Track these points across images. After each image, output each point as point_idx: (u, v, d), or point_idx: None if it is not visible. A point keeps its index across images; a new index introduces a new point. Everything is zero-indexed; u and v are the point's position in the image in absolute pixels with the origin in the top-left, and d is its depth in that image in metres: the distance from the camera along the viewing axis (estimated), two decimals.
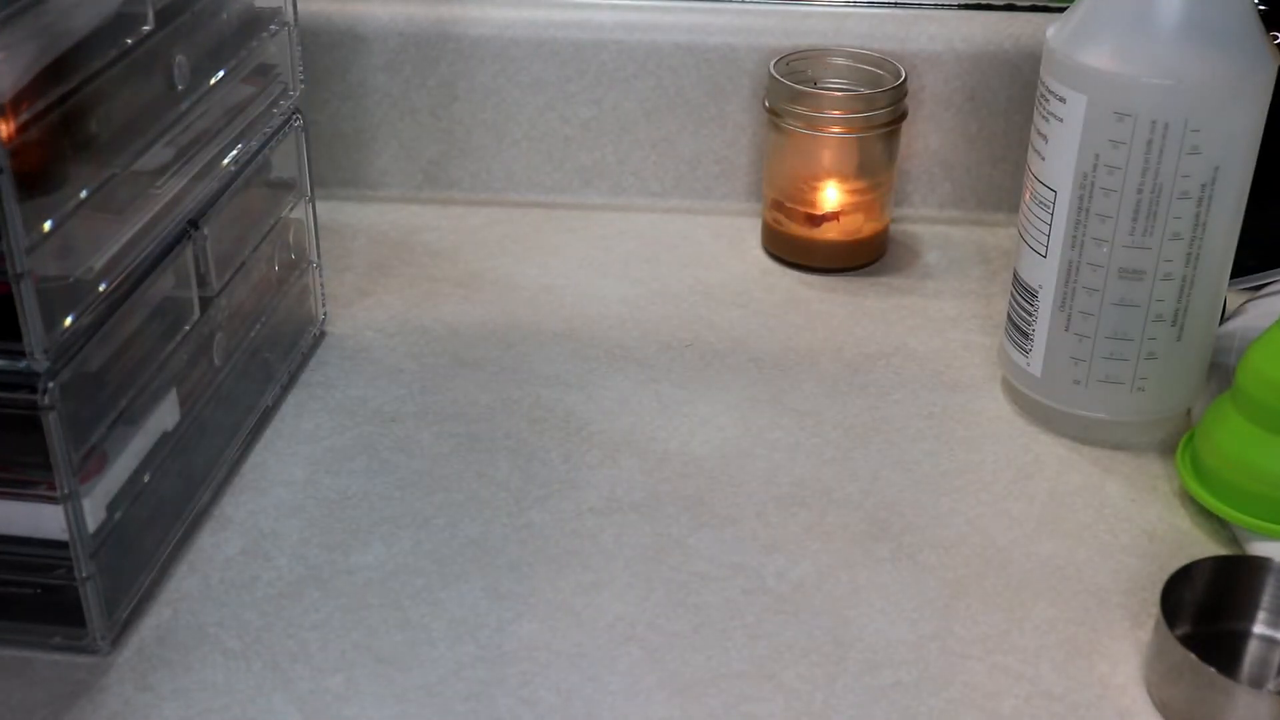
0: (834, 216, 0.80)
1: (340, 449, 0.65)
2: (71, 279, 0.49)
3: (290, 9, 0.66)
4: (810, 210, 0.80)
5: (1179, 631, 0.51)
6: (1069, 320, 0.62)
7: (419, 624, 0.54)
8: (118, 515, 0.53)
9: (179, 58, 0.56)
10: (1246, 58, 0.57)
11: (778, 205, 0.81)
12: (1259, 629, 0.54)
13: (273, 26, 0.65)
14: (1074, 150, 0.59)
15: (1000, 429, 0.66)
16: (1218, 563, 0.53)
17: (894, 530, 0.60)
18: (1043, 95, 0.61)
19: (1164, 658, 0.50)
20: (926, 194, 0.86)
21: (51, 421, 0.48)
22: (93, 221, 0.51)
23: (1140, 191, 0.59)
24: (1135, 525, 0.60)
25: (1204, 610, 0.53)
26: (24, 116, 0.46)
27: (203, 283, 0.59)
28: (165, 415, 0.57)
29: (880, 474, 0.63)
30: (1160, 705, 0.50)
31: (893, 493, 0.62)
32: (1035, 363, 0.65)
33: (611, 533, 0.59)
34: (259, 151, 0.64)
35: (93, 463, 0.51)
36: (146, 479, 0.55)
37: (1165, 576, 0.52)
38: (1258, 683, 0.53)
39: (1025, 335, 0.65)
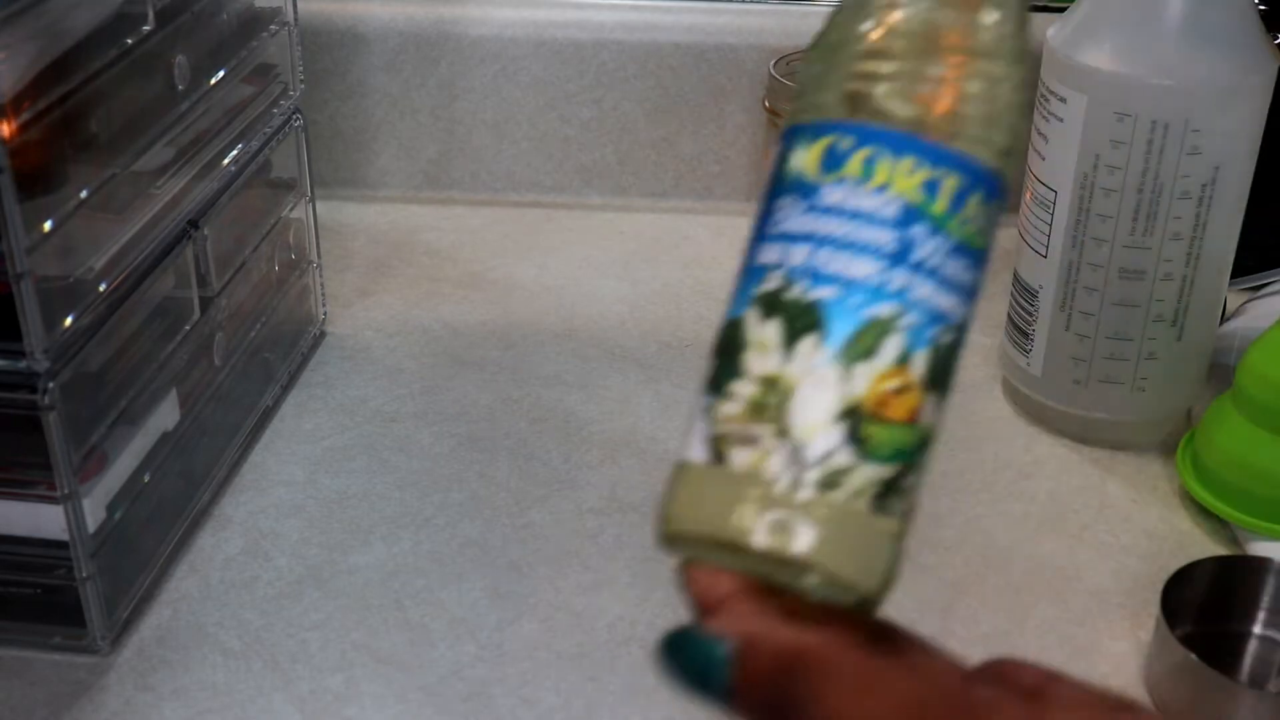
0: None
1: (340, 449, 0.65)
2: (71, 279, 0.49)
3: (290, 9, 0.66)
4: None
5: (1179, 631, 0.51)
6: (1069, 320, 0.62)
7: (419, 624, 0.54)
8: (118, 515, 0.53)
9: (179, 58, 0.56)
10: (1246, 58, 0.57)
11: None
12: (1259, 629, 0.54)
13: (273, 26, 0.65)
14: (1074, 150, 0.59)
15: (1000, 429, 0.66)
16: (1218, 563, 0.53)
17: None
18: (1043, 95, 0.61)
19: (1164, 658, 0.50)
20: None
21: (51, 421, 0.48)
22: (93, 221, 0.51)
23: (1140, 191, 0.58)
24: (1135, 525, 0.60)
25: (1204, 610, 0.53)
26: (24, 116, 0.46)
27: (203, 283, 0.59)
28: (165, 415, 0.56)
29: None
30: (1160, 705, 0.50)
31: None
32: (1035, 363, 0.64)
33: (611, 533, 0.59)
34: (259, 151, 0.64)
35: (93, 463, 0.51)
36: (146, 479, 0.55)
37: (1165, 576, 0.52)
38: (1258, 683, 0.53)
39: (1025, 335, 0.65)
